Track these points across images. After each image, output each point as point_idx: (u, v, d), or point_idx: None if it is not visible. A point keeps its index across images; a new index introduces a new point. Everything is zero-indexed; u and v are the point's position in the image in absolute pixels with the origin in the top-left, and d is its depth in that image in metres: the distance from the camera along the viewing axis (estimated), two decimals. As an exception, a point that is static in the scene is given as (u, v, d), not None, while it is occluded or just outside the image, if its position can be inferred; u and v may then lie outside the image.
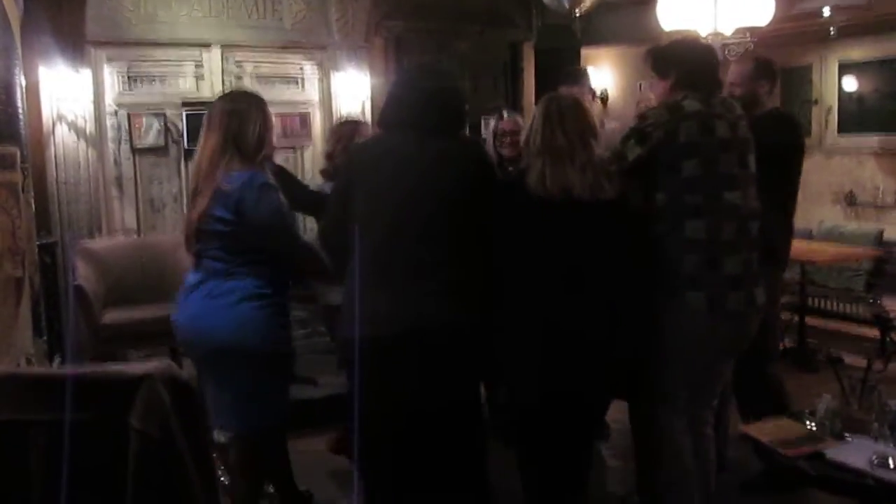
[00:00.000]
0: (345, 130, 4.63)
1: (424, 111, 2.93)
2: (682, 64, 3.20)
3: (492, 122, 5.12)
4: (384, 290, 2.85)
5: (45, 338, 4.29)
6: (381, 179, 2.91)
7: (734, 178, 3.09)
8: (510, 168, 4.61)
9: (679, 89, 3.16)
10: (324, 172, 4.69)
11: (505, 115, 5.01)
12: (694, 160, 3.01)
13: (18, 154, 3.98)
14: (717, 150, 3.05)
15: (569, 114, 2.97)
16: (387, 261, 2.87)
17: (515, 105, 8.05)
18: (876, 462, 2.23)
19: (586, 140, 2.95)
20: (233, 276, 3.15)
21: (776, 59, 4.55)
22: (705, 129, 3.04)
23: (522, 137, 3.06)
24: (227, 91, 3.13)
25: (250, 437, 3.32)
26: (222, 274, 3.16)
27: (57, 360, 4.44)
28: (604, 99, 8.71)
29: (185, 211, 3.18)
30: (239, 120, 3.16)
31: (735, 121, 3.15)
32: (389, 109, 3.04)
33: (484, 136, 5.13)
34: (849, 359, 5.67)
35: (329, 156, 4.60)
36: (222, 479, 3.45)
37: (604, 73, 8.72)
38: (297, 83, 6.95)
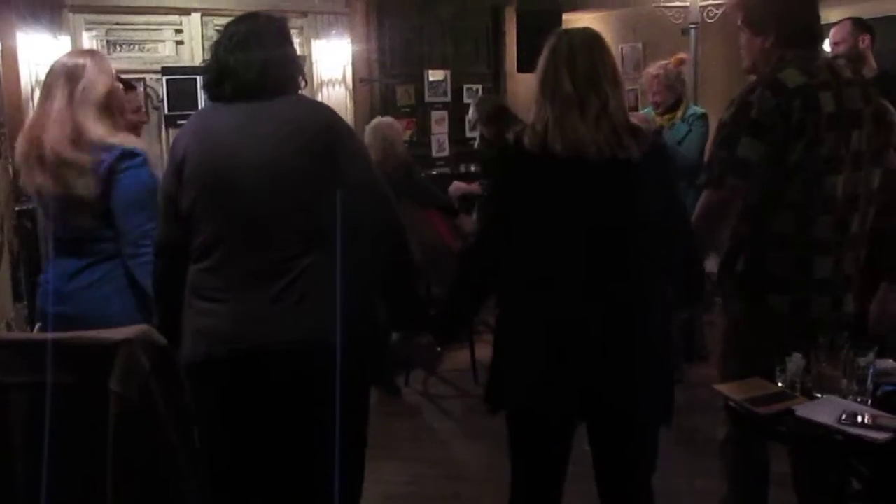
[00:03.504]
0: None
1: (244, 72, 2.37)
2: (785, 17, 2.69)
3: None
4: (218, 298, 2.34)
5: (25, 303, 4.29)
6: (204, 162, 2.37)
7: (839, 160, 2.64)
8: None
9: (777, 48, 2.69)
10: None
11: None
12: (800, 143, 2.59)
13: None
14: (822, 129, 2.60)
15: (582, 52, 2.38)
16: (222, 260, 2.35)
17: (497, 70, 8.05)
18: (844, 419, 2.27)
19: (601, 85, 2.35)
20: (116, 257, 2.77)
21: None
22: (809, 106, 2.59)
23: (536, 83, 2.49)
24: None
25: None
26: (110, 256, 2.78)
27: (38, 326, 4.44)
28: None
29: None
30: None
31: (842, 88, 2.65)
32: (206, 77, 2.46)
33: (469, 105, 5.20)
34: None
35: None
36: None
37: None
38: (277, 49, 6.89)
